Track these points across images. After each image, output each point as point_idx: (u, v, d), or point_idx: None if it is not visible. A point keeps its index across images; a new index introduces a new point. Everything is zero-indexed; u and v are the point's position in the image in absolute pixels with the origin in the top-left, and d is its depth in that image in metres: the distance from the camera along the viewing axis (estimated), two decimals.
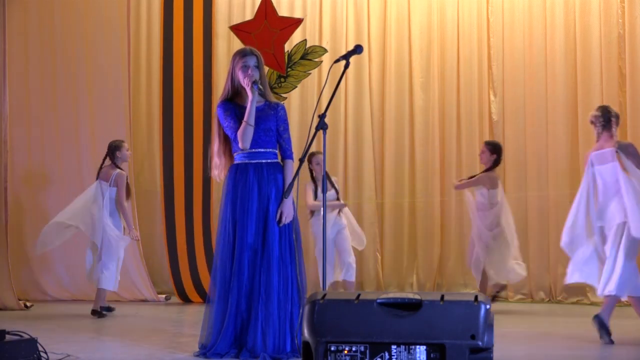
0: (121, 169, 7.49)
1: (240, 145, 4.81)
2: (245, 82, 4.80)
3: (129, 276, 8.72)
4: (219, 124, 4.93)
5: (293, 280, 4.76)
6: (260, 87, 4.77)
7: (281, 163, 4.92)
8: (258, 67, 4.84)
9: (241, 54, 4.87)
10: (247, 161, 4.86)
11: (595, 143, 6.08)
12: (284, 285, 4.73)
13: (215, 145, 4.99)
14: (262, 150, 4.85)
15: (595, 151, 5.98)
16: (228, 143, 4.96)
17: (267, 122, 4.84)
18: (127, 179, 7.51)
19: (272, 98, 4.98)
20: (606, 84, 8.59)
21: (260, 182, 4.82)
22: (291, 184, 4.56)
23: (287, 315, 4.70)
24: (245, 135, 4.77)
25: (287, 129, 4.92)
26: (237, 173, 4.87)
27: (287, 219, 4.76)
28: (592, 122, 6.09)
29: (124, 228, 7.47)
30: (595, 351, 5.21)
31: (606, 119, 5.95)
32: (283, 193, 4.76)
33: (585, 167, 6.00)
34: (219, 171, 4.98)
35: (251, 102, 4.76)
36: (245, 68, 4.81)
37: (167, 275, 8.96)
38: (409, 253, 9.31)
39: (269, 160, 4.86)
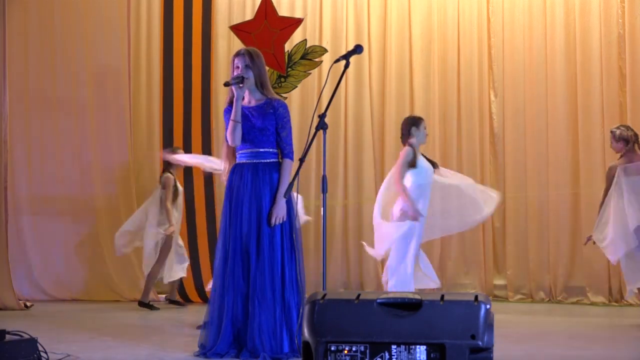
0: (172, 173, 8.04)
1: (229, 142, 4.84)
2: None
3: (129, 276, 8.72)
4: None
5: (292, 280, 4.76)
6: (233, 82, 4.74)
7: (281, 162, 4.92)
8: (249, 66, 4.84)
9: (234, 56, 4.91)
10: (244, 161, 4.87)
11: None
12: (280, 286, 4.72)
13: (224, 149, 5.01)
14: (260, 150, 4.85)
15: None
16: (235, 147, 4.96)
17: (265, 122, 4.83)
18: (174, 182, 8.06)
19: (274, 95, 4.97)
20: (606, 84, 8.59)
21: (254, 181, 4.82)
22: (291, 184, 4.55)
23: (283, 315, 4.69)
24: (232, 133, 4.78)
25: (285, 128, 4.89)
26: (234, 173, 4.89)
27: (277, 219, 4.75)
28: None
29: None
30: (595, 351, 5.21)
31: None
32: (280, 194, 4.75)
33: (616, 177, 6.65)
34: (226, 176, 5.00)
35: (236, 99, 4.77)
36: (236, 69, 4.84)
37: None
38: None
39: (265, 160, 4.85)
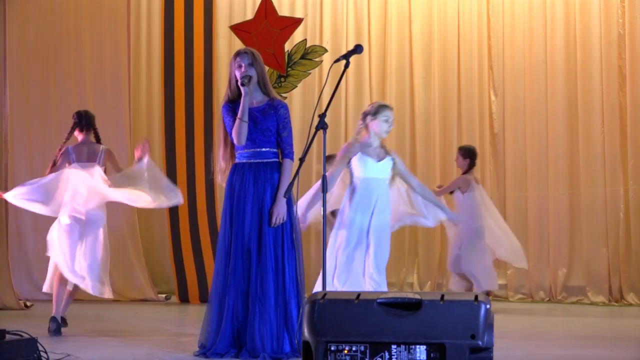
0: None
1: (235, 142, 4.82)
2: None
3: (129, 276, 8.71)
4: (224, 127, 4.93)
5: (292, 280, 4.75)
6: (246, 82, 4.73)
7: (281, 162, 4.92)
8: (253, 65, 4.84)
9: (235, 55, 4.89)
10: (244, 161, 4.86)
11: None
12: (282, 286, 4.72)
13: (221, 149, 4.99)
14: (261, 150, 4.85)
15: None
16: (233, 147, 4.96)
17: (266, 122, 4.83)
18: None
19: (275, 95, 4.96)
20: (606, 84, 8.59)
21: (256, 181, 4.81)
22: (291, 184, 4.55)
23: (284, 315, 4.69)
24: (239, 132, 4.77)
25: (286, 128, 4.89)
26: (235, 173, 4.88)
27: (277, 219, 4.74)
28: None
29: None
30: (595, 351, 5.21)
31: None
32: (281, 193, 4.75)
33: None
34: (223, 176, 4.99)
35: (243, 98, 4.76)
36: (239, 68, 4.83)
37: (167, 275, 8.95)
38: (409, 253, 9.30)
39: (266, 160, 4.85)
